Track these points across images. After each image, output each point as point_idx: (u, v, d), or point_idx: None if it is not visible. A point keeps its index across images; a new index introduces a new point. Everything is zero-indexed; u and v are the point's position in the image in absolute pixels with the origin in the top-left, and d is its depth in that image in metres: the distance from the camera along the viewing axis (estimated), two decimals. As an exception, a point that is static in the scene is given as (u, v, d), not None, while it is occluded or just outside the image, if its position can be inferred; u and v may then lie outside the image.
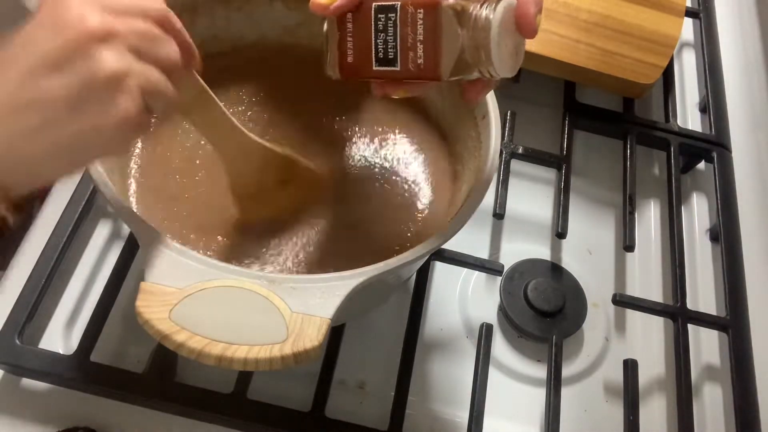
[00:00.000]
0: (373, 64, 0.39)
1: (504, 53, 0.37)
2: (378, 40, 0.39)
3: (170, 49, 0.34)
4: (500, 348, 0.56)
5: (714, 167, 0.67)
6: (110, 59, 0.31)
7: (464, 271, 0.58)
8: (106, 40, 0.31)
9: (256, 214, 0.48)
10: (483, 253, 0.60)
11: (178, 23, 0.35)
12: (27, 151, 0.31)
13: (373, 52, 0.39)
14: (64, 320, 0.52)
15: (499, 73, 0.37)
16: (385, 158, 0.53)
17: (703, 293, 0.61)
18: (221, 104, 0.42)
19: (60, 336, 0.51)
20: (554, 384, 0.52)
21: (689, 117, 0.73)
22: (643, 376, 0.55)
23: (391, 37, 0.38)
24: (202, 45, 0.53)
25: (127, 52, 0.32)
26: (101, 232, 0.57)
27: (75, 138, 0.32)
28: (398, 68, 0.39)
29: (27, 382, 0.49)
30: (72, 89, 0.31)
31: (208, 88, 0.41)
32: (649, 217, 0.65)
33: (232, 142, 0.44)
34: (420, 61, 0.38)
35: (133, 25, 0.32)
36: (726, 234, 0.62)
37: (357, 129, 0.54)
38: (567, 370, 0.55)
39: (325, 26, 0.41)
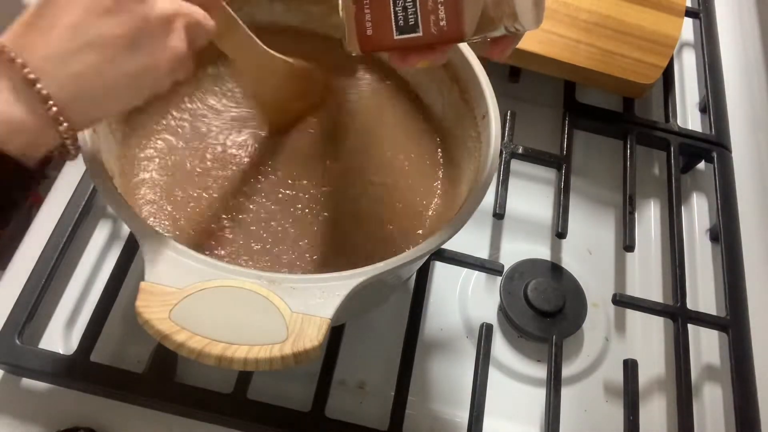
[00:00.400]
0: (394, 33, 0.38)
1: (527, 4, 0.36)
2: (397, 8, 0.38)
3: None
4: (500, 348, 0.56)
5: (714, 167, 0.67)
6: (160, 3, 0.34)
7: (464, 271, 0.58)
8: None
9: (282, 120, 0.52)
10: (483, 253, 0.60)
11: None
12: (89, 87, 0.33)
13: (393, 20, 0.38)
14: (64, 320, 0.52)
15: (524, 25, 0.37)
16: (384, 158, 0.53)
17: (703, 293, 0.61)
18: (245, 27, 0.45)
19: (60, 336, 0.52)
20: (554, 384, 0.52)
21: (689, 117, 0.73)
22: (643, 376, 0.55)
23: (410, 3, 0.37)
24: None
25: None
26: (101, 232, 0.57)
27: (132, 74, 0.34)
28: (420, 33, 0.38)
29: (27, 382, 0.49)
30: (127, 30, 0.33)
31: (234, 14, 0.43)
32: (649, 217, 0.65)
33: (258, 60, 0.47)
34: (443, 23, 0.37)
35: None
36: (726, 234, 0.62)
37: (357, 129, 0.54)
38: (567, 370, 0.55)
39: (341, 2, 0.40)
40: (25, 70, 0.31)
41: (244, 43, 0.46)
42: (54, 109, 0.32)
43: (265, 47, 0.47)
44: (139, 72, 0.34)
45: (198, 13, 0.37)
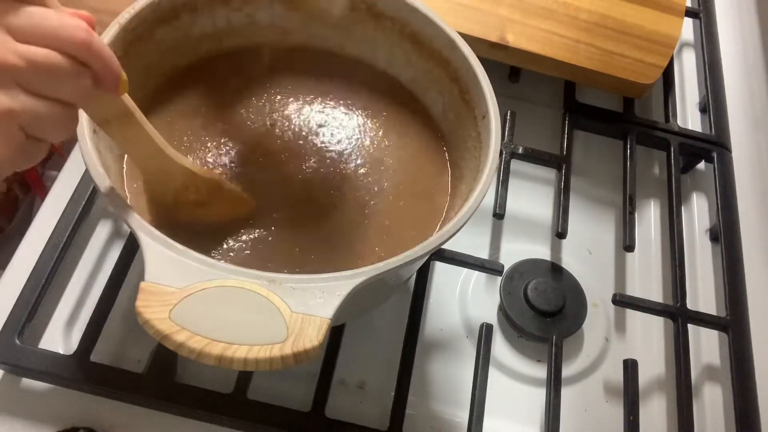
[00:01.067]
0: None
1: None
2: None
3: (75, 83, 0.33)
4: (500, 348, 0.56)
5: (714, 167, 0.67)
6: None
7: (464, 271, 0.58)
8: None
9: (168, 218, 0.47)
10: (483, 253, 0.60)
11: (100, 47, 0.33)
12: None
13: None
14: (64, 320, 0.52)
15: None
16: (384, 158, 0.53)
17: (703, 293, 0.61)
18: (148, 124, 0.41)
19: (60, 336, 0.51)
20: (554, 384, 0.52)
21: (689, 117, 0.73)
22: (643, 376, 0.55)
23: None
24: (203, 45, 0.54)
25: (15, 87, 0.31)
26: (101, 232, 0.57)
27: None
28: None
29: (27, 382, 0.49)
30: None
31: (132, 109, 0.39)
32: (649, 217, 0.65)
33: (153, 161, 0.43)
34: None
35: (34, 56, 0.31)
36: (726, 234, 0.62)
37: (357, 129, 0.54)
38: (567, 370, 0.55)
39: None
40: None
41: (139, 139, 0.41)
42: None
43: (166, 147, 0.43)
44: None
45: (42, 111, 0.32)
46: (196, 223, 0.47)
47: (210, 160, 0.51)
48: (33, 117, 0.31)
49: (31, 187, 0.75)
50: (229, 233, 0.47)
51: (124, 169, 0.49)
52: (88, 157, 0.41)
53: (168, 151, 0.43)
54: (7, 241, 0.70)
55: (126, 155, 0.48)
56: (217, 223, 0.47)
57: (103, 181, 0.40)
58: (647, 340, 0.58)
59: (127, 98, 0.39)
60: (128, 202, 0.47)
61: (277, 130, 0.53)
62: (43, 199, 0.59)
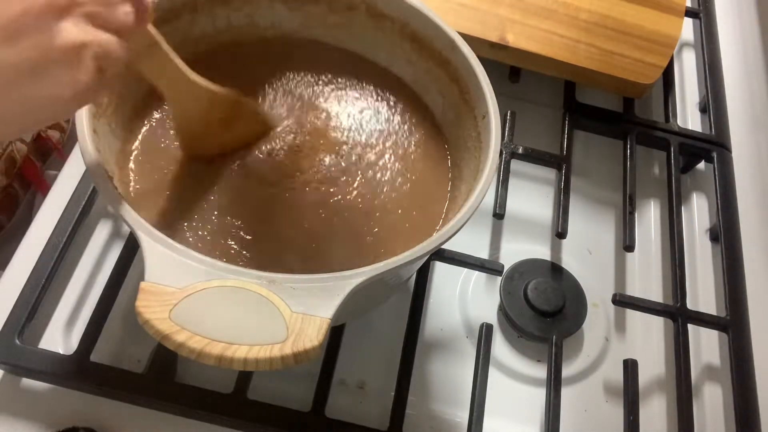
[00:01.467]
0: None
1: None
2: None
3: (123, 11, 0.35)
4: (500, 348, 0.56)
5: (714, 167, 0.67)
6: (68, 31, 0.32)
7: (464, 271, 0.58)
8: (65, 10, 0.32)
9: (200, 150, 0.50)
10: (483, 253, 0.60)
11: None
12: None
13: None
14: (64, 320, 0.52)
15: None
16: (384, 158, 0.53)
17: (703, 293, 0.61)
18: (172, 53, 0.43)
19: (60, 336, 0.51)
20: (554, 384, 0.52)
21: (689, 117, 0.73)
22: (643, 376, 0.55)
23: None
24: (203, 45, 0.54)
25: (83, 21, 0.32)
26: (101, 232, 0.57)
27: (28, 103, 0.32)
28: None
29: (27, 382, 0.49)
30: (26, 59, 0.31)
31: (159, 39, 0.41)
32: (649, 217, 0.65)
33: (180, 87, 0.45)
34: None
35: None
36: (726, 234, 0.62)
37: (356, 129, 0.54)
38: (567, 370, 0.55)
39: None
40: None
41: (166, 68, 0.43)
42: None
43: (189, 72, 0.45)
44: (36, 101, 0.32)
45: (109, 42, 0.34)
46: (225, 148, 0.50)
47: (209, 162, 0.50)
48: (99, 46, 0.33)
49: (31, 184, 0.75)
50: (230, 233, 0.47)
51: (124, 169, 0.49)
52: (88, 157, 0.41)
53: (191, 76, 0.45)
54: (7, 240, 0.70)
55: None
56: (243, 145, 0.50)
57: (103, 181, 0.40)
58: (647, 340, 0.58)
59: (152, 28, 0.40)
60: (128, 202, 0.47)
61: (276, 130, 0.53)
62: (44, 195, 0.59)
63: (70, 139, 0.79)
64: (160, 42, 0.42)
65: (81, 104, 0.35)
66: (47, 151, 0.77)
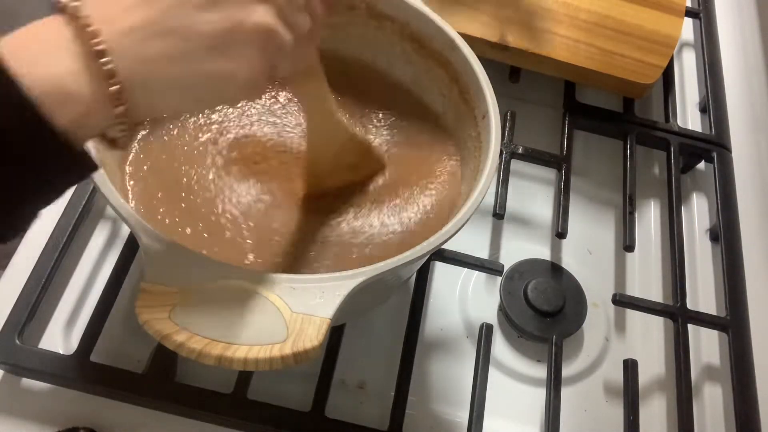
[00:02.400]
0: None
1: None
2: None
3: (306, 20, 0.36)
4: (500, 348, 0.56)
5: (714, 167, 0.67)
6: (262, 13, 0.32)
7: (464, 271, 0.58)
8: None
9: (319, 185, 0.50)
10: (483, 253, 0.60)
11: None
12: (159, 75, 0.31)
13: None
14: (64, 320, 0.52)
15: None
16: (383, 158, 0.53)
17: (703, 293, 0.61)
18: (326, 83, 0.44)
19: (60, 336, 0.51)
20: (554, 384, 0.52)
21: (689, 117, 0.73)
22: (643, 376, 0.55)
23: None
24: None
25: (275, 11, 0.33)
26: (101, 232, 0.57)
27: (205, 76, 0.32)
28: None
29: (27, 382, 0.49)
30: (218, 29, 0.31)
31: (318, 63, 0.42)
32: (649, 217, 0.65)
33: (325, 119, 0.46)
34: None
35: None
36: (726, 234, 0.62)
37: (356, 128, 0.54)
38: (567, 370, 0.55)
39: None
40: (95, 40, 0.29)
41: (319, 95, 0.44)
42: (115, 87, 0.29)
43: (337, 108, 0.46)
44: (214, 76, 0.32)
45: (289, 39, 0.34)
46: (334, 186, 0.50)
47: (208, 162, 0.51)
48: (282, 40, 0.34)
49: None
50: (230, 234, 0.47)
51: (124, 169, 0.49)
52: (88, 157, 0.41)
53: (338, 113, 0.46)
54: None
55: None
56: (355, 186, 0.51)
57: (103, 181, 0.40)
58: (647, 340, 0.58)
59: (315, 52, 0.41)
60: (128, 202, 0.47)
61: (277, 131, 0.53)
62: None
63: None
64: (320, 68, 0.42)
65: (246, 94, 0.35)
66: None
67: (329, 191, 0.50)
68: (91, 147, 0.41)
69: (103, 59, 0.29)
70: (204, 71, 0.32)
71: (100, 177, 0.41)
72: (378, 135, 0.54)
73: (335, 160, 0.49)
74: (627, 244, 0.60)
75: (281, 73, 0.36)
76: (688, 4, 0.77)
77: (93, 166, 0.31)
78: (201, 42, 0.31)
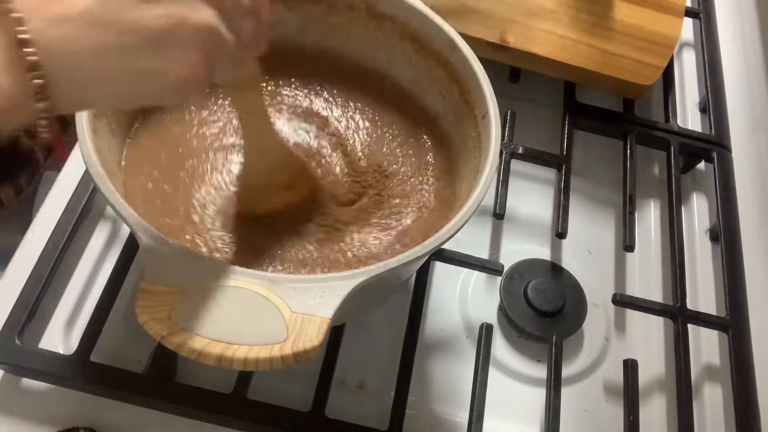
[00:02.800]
0: None
1: None
2: None
3: (252, 28, 0.35)
4: (500, 348, 0.56)
5: (714, 167, 0.67)
6: (205, 13, 0.31)
7: (464, 271, 0.58)
8: None
9: (255, 209, 0.48)
10: (483, 253, 0.60)
11: (266, 5, 0.36)
12: (88, 69, 0.29)
13: None
14: (64, 320, 0.52)
15: None
16: (383, 158, 0.53)
17: (703, 293, 0.61)
18: (263, 98, 0.43)
19: (60, 336, 0.51)
20: (554, 384, 0.52)
21: (689, 117, 0.73)
22: (643, 376, 0.55)
23: None
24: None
25: (219, 12, 0.32)
26: (101, 232, 0.57)
27: (139, 73, 0.30)
28: None
29: (27, 382, 0.49)
30: (158, 26, 0.30)
31: (259, 74, 0.41)
32: (649, 217, 0.65)
33: (263, 135, 0.45)
34: None
35: None
36: (726, 234, 0.62)
37: (356, 128, 0.54)
38: (567, 370, 0.55)
39: None
40: (19, 28, 0.27)
41: (256, 107, 0.43)
42: (39, 81, 0.27)
43: (272, 123, 0.45)
44: (147, 74, 0.30)
45: (231, 44, 0.33)
46: (272, 209, 0.48)
47: (207, 166, 0.51)
48: (224, 43, 0.32)
49: (52, 149, 0.73)
50: (230, 234, 0.47)
51: (124, 169, 0.49)
52: (88, 157, 0.41)
53: (273, 129, 0.45)
54: (8, 240, 0.70)
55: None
56: (292, 209, 0.49)
57: (103, 181, 0.40)
58: (647, 340, 0.58)
59: (257, 63, 0.40)
60: (128, 202, 0.47)
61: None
62: (64, 161, 0.58)
63: (69, 139, 0.79)
64: (260, 80, 0.41)
65: (184, 96, 0.33)
66: (66, 123, 0.76)
67: (264, 215, 0.48)
68: (91, 147, 0.41)
69: (27, 49, 0.27)
70: (137, 68, 0.30)
71: (99, 177, 0.41)
72: (377, 134, 0.54)
73: (270, 179, 0.48)
74: (627, 244, 0.60)
75: (221, 79, 0.34)
76: (688, 4, 0.77)
77: (23, 163, 0.30)
78: (137, 37, 0.29)
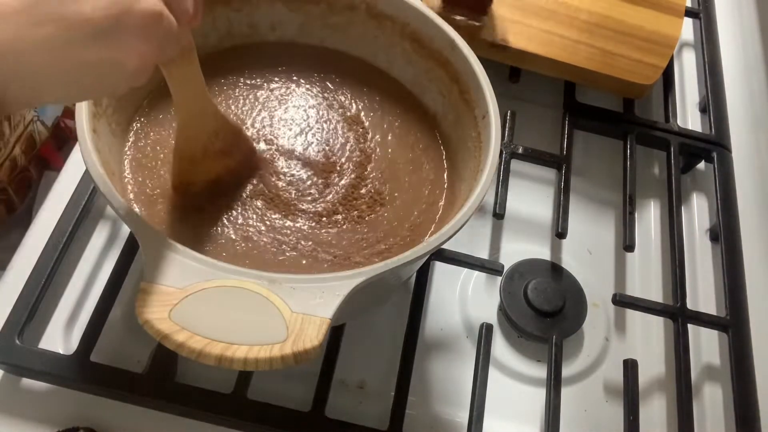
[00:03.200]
0: None
1: None
2: None
3: (190, 3, 0.35)
4: (500, 348, 0.56)
5: (714, 167, 0.67)
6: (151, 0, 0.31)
7: (464, 271, 0.58)
8: None
9: (192, 178, 0.48)
10: (483, 253, 0.60)
11: None
12: (35, 65, 0.28)
13: None
14: (64, 320, 0.52)
15: None
16: (383, 158, 0.53)
17: (703, 293, 0.61)
18: (198, 66, 0.42)
19: (60, 336, 0.51)
20: (554, 384, 0.52)
21: (689, 117, 0.73)
22: (643, 376, 0.55)
23: None
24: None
25: None
26: (101, 232, 0.57)
27: (91, 65, 0.30)
28: None
29: (27, 382, 0.49)
30: (104, 17, 0.29)
31: (193, 45, 0.41)
32: (649, 217, 0.65)
33: (196, 103, 0.45)
34: None
35: None
36: (726, 234, 0.62)
37: (356, 128, 0.54)
38: (567, 370, 0.55)
39: None
40: None
41: (190, 77, 0.43)
42: None
43: (207, 90, 0.45)
44: (99, 65, 0.30)
45: (174, 23, 0.33)
46: (215, 178, 0.48)
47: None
48: (169, 25, 0.33)
49: (48, 162, 0.74)
50: (230, 233, 0.47)
51: (124, 169, 0.49)
52: (88, 157, 0.41)
53: (208, 95, 0.44)
54: (15, 225, 0.70)
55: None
56: (229, 179, 0.49)
57: (103, 181, 0.40)
58: (647, 340, 0.58)
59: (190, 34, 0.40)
60: (128, 202, 0.47)
61: (276, 131, 0.53)
62: (59, 170, 0.58)
63: (69, 139, 0.79)
64: (194, 48, 0.41)
65: (135, 80, 0.33)
66: (65, 139, 0.77)
67: (201, 181, 0.48)
68: (91, 147, 0.41)
69: None
70: (89, 61, 0.30)
71: (99, 177, 0.41)
72: (375, 134, 0.54)
73: (205, 145, 0.48)
74: (627, 244, 0.60)
75: (167, 58, 0.35)
76: (688, 4, 0.77)
77: None
78: (85, 30, 0.29)
